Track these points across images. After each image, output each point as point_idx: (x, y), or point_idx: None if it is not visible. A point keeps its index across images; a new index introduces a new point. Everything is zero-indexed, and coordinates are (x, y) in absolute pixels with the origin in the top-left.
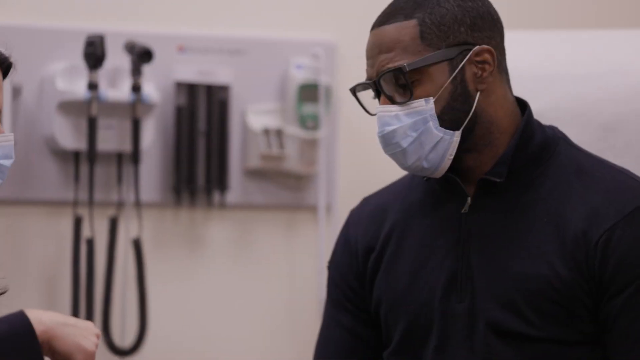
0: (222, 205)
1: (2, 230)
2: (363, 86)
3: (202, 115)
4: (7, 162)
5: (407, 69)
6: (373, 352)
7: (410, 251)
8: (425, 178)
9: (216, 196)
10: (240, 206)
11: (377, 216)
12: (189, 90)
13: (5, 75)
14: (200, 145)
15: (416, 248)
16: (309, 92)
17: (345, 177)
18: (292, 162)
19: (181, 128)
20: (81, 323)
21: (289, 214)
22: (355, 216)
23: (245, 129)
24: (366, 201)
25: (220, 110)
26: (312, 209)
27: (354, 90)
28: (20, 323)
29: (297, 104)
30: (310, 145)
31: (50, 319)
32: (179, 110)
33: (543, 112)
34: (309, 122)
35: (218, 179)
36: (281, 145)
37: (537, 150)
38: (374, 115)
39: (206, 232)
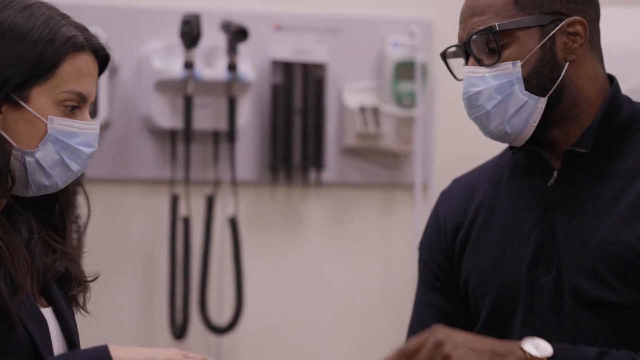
0: (319, 184)
1: (100, 208)
2: (454, 52)
3: (298, 93)
4: (88, 150)
5: (497, 29)
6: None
7: (497, 226)
8: (511, 151)
9: (312, 174)
10: (337, 184)
11: (466, 194)
12: (285, 68)
13: (102, 68)
14: (296, 123)
15: (503, 223)
16: (405, 70)
17: (442, 155)
18: (389, 140)
19: (277, 106)
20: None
21: (386, 192)
22: (444, 196)
23: (342, 107)
24: (456, 182)
25: (316, 89)
26: (409, 187)
27: (444, 55)
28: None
29: (393, 81)
30: (406, 123)
31: (142, 352)
32: (275, 89)
33: (638, 89)
34: (405, 100)
35: (314, 157)
36: (377, 123)
37: (624, 122)
38: (462, 80)
39: (302, 211)
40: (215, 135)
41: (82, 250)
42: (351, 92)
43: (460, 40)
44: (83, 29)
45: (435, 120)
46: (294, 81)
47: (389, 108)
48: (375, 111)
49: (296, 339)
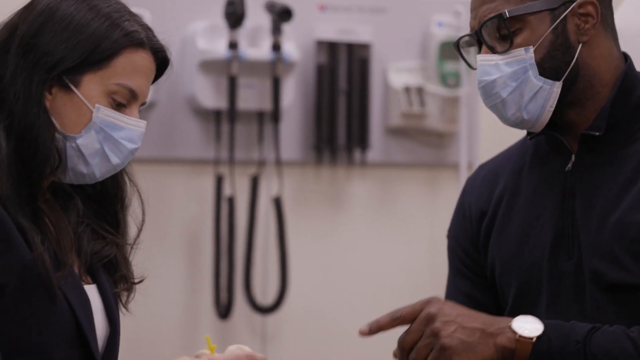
0: (363, 164)
1: (145, 189)
2: (467, 42)
3: (343, 73)
4: (130, 146)
5: (508, 15)
6: None
7: (520, 212)
8: (529, 137)
9: (357, 154)
10: (381, 164)
11: (490, 181)
12: (330, 48)
13: (161, 71)
14: (341, 103)
15: (525, 209)
16: (450, 49)
17: (487, 135)
18: (433, 120)
19: (322, 86)
20: None
21: (431, 172)
22: (470, 183)
23: (386, 87)
24: (481, 168)
25: (361, 69)
26: (454, 166)
27: (457, 45)
28: None
29: (438, 61)
30: (451, 103)
31: None
32: (319, 69)
33: None
34: (450, 80)
35: (359, 137)
36: (422, 103)
37: (638, 102)
38: (476, 69)
39: (347, 190)
40: (260, 116)
41: (136, 244)
42: (396, 72)
43: (472, 29)
44: (147, 28)
45: (480, 100)
46: (338, 61)
47: (434, 88)
48: (420, 91)
49: (340, 319)
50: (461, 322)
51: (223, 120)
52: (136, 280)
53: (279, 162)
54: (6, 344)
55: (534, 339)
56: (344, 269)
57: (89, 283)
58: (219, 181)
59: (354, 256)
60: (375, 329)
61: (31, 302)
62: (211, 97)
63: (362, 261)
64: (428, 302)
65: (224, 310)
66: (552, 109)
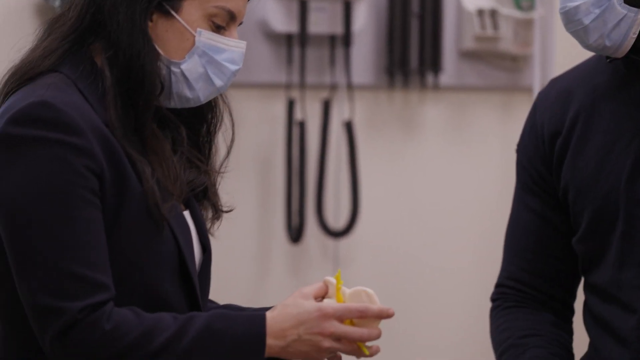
0: (436, 87)
1: None
2: None
3: None
4: (233, 67)
5: None
6: (563, 238)
7: (597, 136)
8: (608, 60)
9: (430, 78)
10: (454, 88)
11: (563, 99)
12: None
13: None
14: (413, 26)
15: (602, 133)
16: None
17: (561, 58)
18: (507, 43)
19: (394, 10)
20: (317, 328)
21: (504, 96)
22: (542, 99)
23: (460, 9)
24: (553, 83)
25: None
26: (528, 89)
27: None
28: (255, 336)
29: None
30: (525, 26)
31: (290, 334)
32: None
33: None
34: (524, 2)
35: (432, 61)
36: (495, 26)
37: None
38: None
39: (419, 114)
40: (331, 39)
41: (224, 169)
42: None
43: None
44: None
45: (554, 23)
46: None
47: (508, 11)
48: (493, 14)
49: (411, 243)
50: None
51: (294, 44)
52: (225, 209)
53: (350, 86)
54: (114, 275)
55: None
56: (415, 192)
57: (183, 209)
58: (291, 105)
59: (426, 180)
60: None
61: (140, 233)
62: (282, 21)
63: (434, 185)
64: None
65: (295, 234)
66: (635, 36)
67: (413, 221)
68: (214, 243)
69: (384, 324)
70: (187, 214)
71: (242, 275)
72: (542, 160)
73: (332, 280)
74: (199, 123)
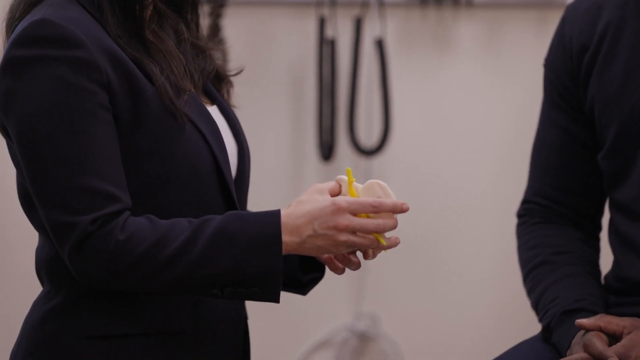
0: (470, 4)
1: (249, 31)
2: None
3: None
4: None
5: None
6: (589, 153)
7: (624, 52)
8: None
9: None
10: (489, 4)
11: (592, 13)
12: None
13: None
14: None
15: (630, 49)
16: None
17: None
18: None
19: None
20: (331, 222)
21: (540, 12)
22: (571, 12)
23: None
24: None
25: None
26: (563, 5)
27: None
28: (271, 234)
29: None
30: None
31: (305, 229)
32: None
33: None
34: None
35: None
36: None
37: None
38: None
39: (453, 32)
40: None
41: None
42: None
43: None
44: None
45: None
46: None
47: None
48: None
49: (443, 162)
50: None
51: None
52: (232, 73)
53: (382, 3)
54: (147, 183)
55: None
56: (448, 111)
57: (209, 104)
58: (322, 23)
59: (458, 99)
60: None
61: (163, 134)
62: None
63: (467, 103)
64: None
65: (327, 152)
66: None
67: (445, 140)
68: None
69: (416, 243)
70: (214, 108)
71: (273, 193)
72: (570, 74)
73: (345, 178)
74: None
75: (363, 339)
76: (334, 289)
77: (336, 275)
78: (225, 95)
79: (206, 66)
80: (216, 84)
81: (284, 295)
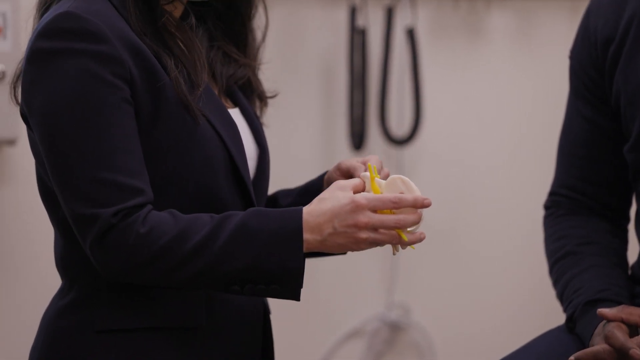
0: None
1: (280, 20)
2: None
3: None
4: None
5: None
6: (614, 145)
7: None
8: None
9: None
10: None
11: (617, 5)
12: None
13: None
14: None
15: None
16: None
17: None
18: None
19: None
20: (351, 220)
21: (572, 2)
22: (595, 4)
23: None
24: None
25: None
26: None
27: None
28: (292, 231)
29: None
30: None
31: (326, 227)
32: None
33: None
34: None
35: None
36: None
37: None
38: None
39: (486, 22)
40: None
41: (260, 62)
42: None
43: None
44: None
45: None
46: None
47: None
48: None
49: (475, 151)
50: None
51: None
52: (269, 95)
53: None
54: (159, 175)
55: None
56: (479, 100)
57: (231, 107)
58: (353, 12)
59: (491, 88)
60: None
61: (179, 125)
62: None
63: (499, 93)
64: None
65: (358, 141)
66: None
67: (476, 130)
68: (276, 151)
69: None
70: (236, 110)
71: (304, 182)
72: (595, 66)
73: (367, 174)
74: (234, 15)
75: (394, 329)
76: (366, 279)
77: (368, 266)
78: (258, 112)
79: (236, 74)
80: (247, 93)
81: (315, 285)
